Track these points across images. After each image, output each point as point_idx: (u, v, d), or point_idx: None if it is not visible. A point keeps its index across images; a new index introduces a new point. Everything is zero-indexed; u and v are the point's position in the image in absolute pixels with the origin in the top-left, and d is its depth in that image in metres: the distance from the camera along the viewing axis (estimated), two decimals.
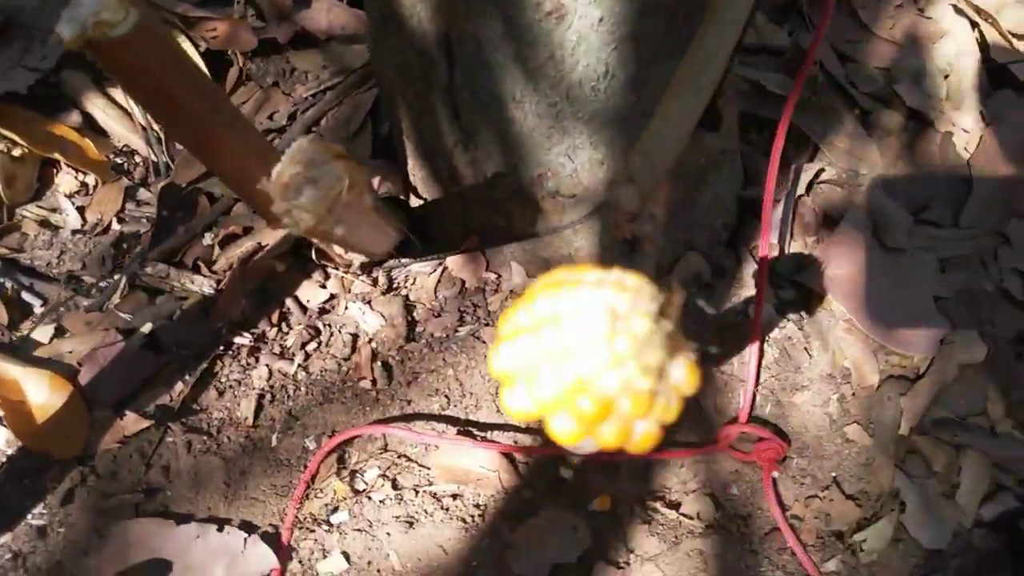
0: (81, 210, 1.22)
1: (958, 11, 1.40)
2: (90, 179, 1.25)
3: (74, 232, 1.20)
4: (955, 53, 1.35)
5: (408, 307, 1.14)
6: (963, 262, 1.14)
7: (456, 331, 1.12)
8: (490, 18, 0.82)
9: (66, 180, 1.24)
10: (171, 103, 0.78)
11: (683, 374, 0.41)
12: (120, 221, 1.21)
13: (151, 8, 1.28)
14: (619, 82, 0.88)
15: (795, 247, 1.18)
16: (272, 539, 0.98)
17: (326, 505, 1.00)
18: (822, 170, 1.24)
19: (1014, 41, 1.35)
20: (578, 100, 0.89)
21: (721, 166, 1.10)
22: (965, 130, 1.26)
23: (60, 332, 1.10)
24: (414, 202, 1.17)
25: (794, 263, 1.15)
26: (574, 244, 1.09)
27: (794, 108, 1.24)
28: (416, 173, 1.13)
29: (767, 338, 1.10)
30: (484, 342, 1.11)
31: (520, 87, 0.89)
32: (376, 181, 1.13)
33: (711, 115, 0.98)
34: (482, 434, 1.06)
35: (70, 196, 1.23)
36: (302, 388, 1.08)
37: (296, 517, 0.99)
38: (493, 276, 1.15)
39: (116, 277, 1.13)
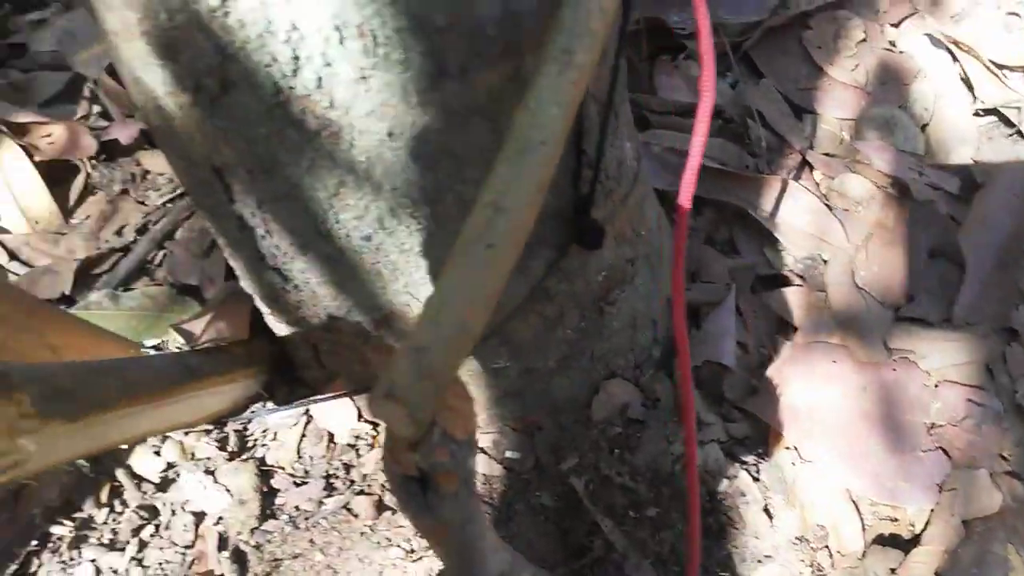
0: None
1: (935, 42, 1.16)
2: None
3: None
4: (933, 95, 1.11)
5: (264, 473, 0.92)
6: (961, 373, 0.89)
7: (322, 503, 0.90)
8: (246, 142, 0.60)
9: None
10: None
11: None
12: None
13: None
14: (450, 205, 0.67)
15: (747, 361, 0.95)
16: None
17: None
18: (775, 258, 1.01)
19: (1003, 75, 1.11)
20: (399, 232, 0.68)
21: (633, 276, 0.87)
22: (952, 193, 1.02)
23: None
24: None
25: (744, 386, 0.92)
26: None
27: (735, 183, 1.02)
28: (260, 308, 0.91)
29: (716, 492, 0.86)
30: (358, 516, 0.89)
31: (318, 220, 0.67)
32: (203, 323, 0.91)
33: (586, 230, 0.75)
34: None
35: None
36: None
37: None
38: (367, 427, 0.93)
39: None
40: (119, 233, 1.12)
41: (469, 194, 0.66)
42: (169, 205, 1.14)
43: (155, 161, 1.16)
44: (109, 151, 1.16)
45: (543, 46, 0.54)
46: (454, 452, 0.49)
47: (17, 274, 1.09)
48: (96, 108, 1.19)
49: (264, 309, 0.88)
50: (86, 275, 1.08)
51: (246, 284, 0.86)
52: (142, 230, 1.11)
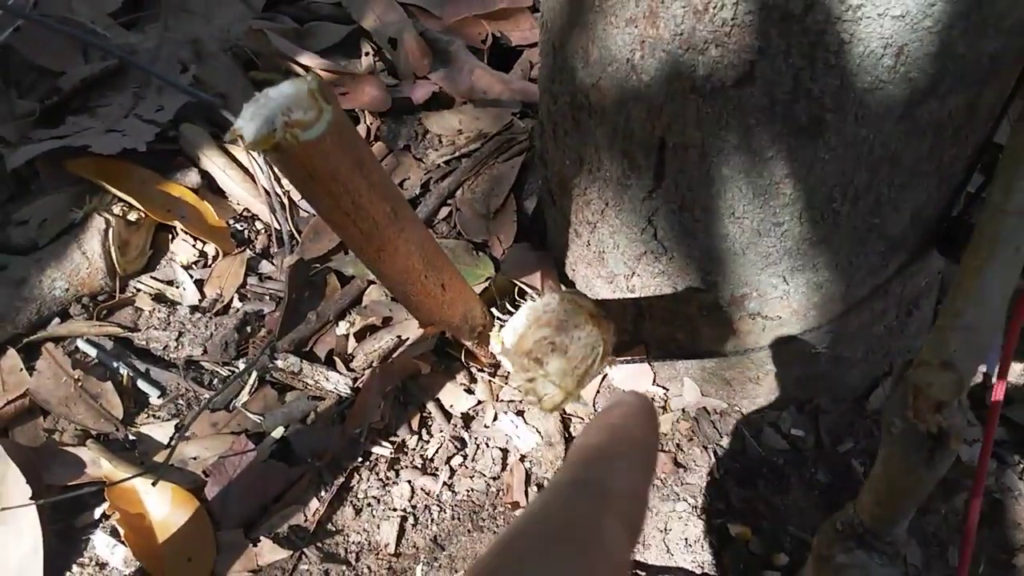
0: (199, 284, 1.10)
1: None
2: (209, 248, 1.13)
3: (192, 309, 1.08)
4: None
5: (564, 421, 1.01)
6: None
7: None
8: (726, 128, 0.69)
9: (183, 248, 1.12)
10: (353, 209, 0.66)
11: None
12: (242, 299, 1.10)
13: (280, 59, 1.17)
14: (863, 205, 0.76)
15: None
16: None
17: None
18: None
19: None
20: (810, 221, 0.77)
21: (933, 288, 0.97)
22: None
23: (179, 428, 0.98)
24: None
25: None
26: (765, 367, 0.96)
27: None
28: (577, 270, 1.01)
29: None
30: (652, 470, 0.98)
31: (744, 203, 0.76)
32: (537, 279, 1.01)
33: (954, 235, 0.85)
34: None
35: (187, 267, 1.11)
36: (447, 511, 0.95)
37: None
38: (660, 391, 1.03)
39: (243, 369, 1.01)
40: (401, 186, 1.21)
41: (885, 196, 0.75)
42: (445, 165, 1.22)
43: (437, 123, 1.24)
44: (394, 109, 1.25)
45: None
46: (964, 415, 0.58)
47: (308, 212, 1.18)
48: (381, 66, 1.28)
49: (595, 273, 0.97)
50: None
51: (588, 247, 0.95)
52: (424, 187, 1.20)
